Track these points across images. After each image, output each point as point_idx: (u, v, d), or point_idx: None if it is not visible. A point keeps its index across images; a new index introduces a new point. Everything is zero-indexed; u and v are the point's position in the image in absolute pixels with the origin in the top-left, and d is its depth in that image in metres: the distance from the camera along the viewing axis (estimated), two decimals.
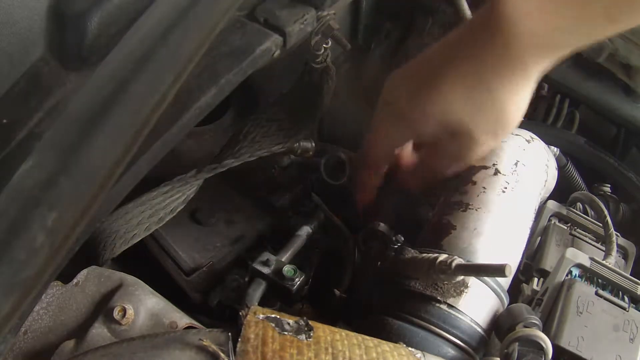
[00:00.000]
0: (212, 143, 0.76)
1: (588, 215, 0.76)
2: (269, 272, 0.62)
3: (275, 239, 0.74)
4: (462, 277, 0.55)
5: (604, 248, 0.70)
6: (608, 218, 0.70)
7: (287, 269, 0.62)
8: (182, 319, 0.54)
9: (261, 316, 0.45)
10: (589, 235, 0.73)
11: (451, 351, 0.54)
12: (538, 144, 0.70)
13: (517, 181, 0.64)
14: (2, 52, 0.47)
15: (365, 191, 0.71)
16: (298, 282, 0.62)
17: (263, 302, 0.61)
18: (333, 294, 0.67)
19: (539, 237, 0.73)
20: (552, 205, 0.75)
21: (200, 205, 0.72)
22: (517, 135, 0.69)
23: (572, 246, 0.69)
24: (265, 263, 0.63)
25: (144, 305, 0.54)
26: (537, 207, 0.69)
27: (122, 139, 0.29)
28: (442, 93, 0.56)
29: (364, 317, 0.60)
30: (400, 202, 0.76)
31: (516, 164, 0.65)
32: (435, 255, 0.56)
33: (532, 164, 0.67)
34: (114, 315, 0.51)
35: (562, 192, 0.79)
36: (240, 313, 0.45)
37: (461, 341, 0.55)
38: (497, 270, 0.52)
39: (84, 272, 0.55)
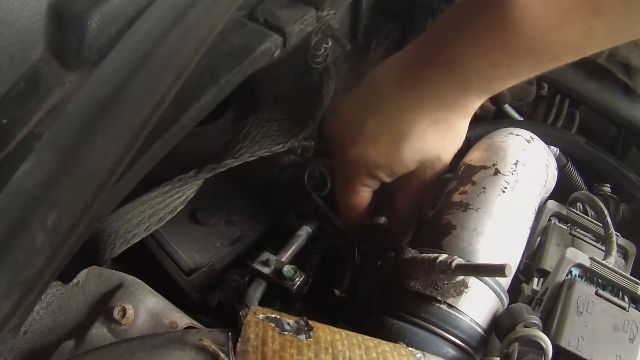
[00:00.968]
0: (212, 143, 0.76)
1: (588, 215, 0.76)
2: (269, 272, 0.62)
3: (275, 239, 0.74)
4: (462, 277, 0.55)
5: (604, 248, 0.70)
6: (608, 218, 0.70)
7: (287, 269, 0.62)
8: (182, 319, 0.54)
9: (261, 316, 0.45)
10: (589, 235, 0.73)
11: (451, 351, 0.54)
12: (538, 144, 0.70)
13: (517, 181, 0.64)
14: (2, 52, 0.47)
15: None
16: (298, 282, 0.62)
17: (263, 302, 0.61)
18: (333, 294, 0.67)
19: (539, 237, 0.73)
20: (552, 205, 0.75)
21: (200, 205, 0.72)
22: (517, 135, 0.69)
23: (572, 246, 0.69)
24: (265, 263, 0.63)
25: (144, 305, 0.54)
26: (537, 207, 0.69)
27: (122, 139, 0.29)
28: (416, 134, 0.62)
29: (364, 317, 0.60)
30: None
31: (516, 164, 0.65)
32: (435, 255, 0.56)
33: (532, 164, 0.67)
34: (114, 315, 0.51)
35: (562, 192, 0.79)
36: (240, 313, 0.45)
37: (461, 341, 0.55)
38: (497, 270, 0.52)
39: (84, 272, 0.55)
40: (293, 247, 0.68)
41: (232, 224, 0.73)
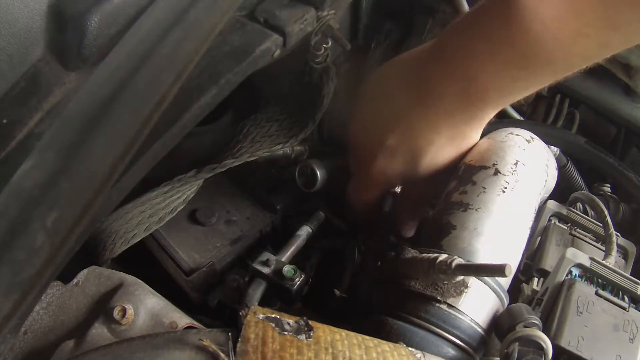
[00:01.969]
0: (212, 143, 0.76)
1: (588, 215, 0.76)
2: (269, 272, 0.62)
3: (275, 239, 0.74)
4: (462, 277, 0.55)
5: (604, 248, 0.70)
6: (608, 218, 0.70)
7: (287, 269, 0.62)
8: (182, 319, 0.54)
9: (261, 316, 0.45)
10: (589, 235, 0.73)
11: (451, 351, 0.54)
12: (538, 144, 0.70)
13: (517, 181, 0.64)
14: (2, 52, 0.47)
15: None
16: (298, 282, 0.62)
17: (263, 302, 0.61)
18: (333, 294, 0.67)
19: (539, 237, 0.73)
20: (552, 205, 0.75)
21: (200, 205, 0.72)
22: (517, 135, 0.69)
23: (572, 246, 0.69)
24: (265, 263, 0.63)
25: (144, 305, 0.54)
26: (537, 207, 0.69)
27: (122, 139, 0.29)
28: (433, 150, 0.65)
29: (364, 317, 0.60)
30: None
31: (516, 164, 0.65)
32: (435, 255, 0.56)
33: (532, 164, 0.67)
34: (114, 315, 0.51)
35: (562, 192, 0.79)
36: (240, 313, 0.45)
37: (461, 341, 0.55)
38: (497, 270, 0.52)
39: (84, 272, 0.55)
40: (293, 247, 0.68)
41: (232, 224, 0.73)
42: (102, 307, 0.53)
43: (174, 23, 0.33)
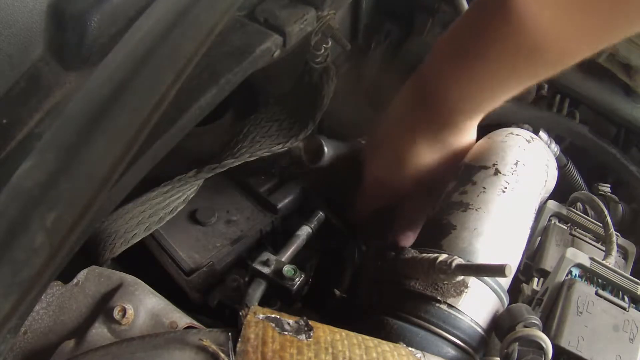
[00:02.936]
0: (212, 143, 0.76)
1: (588, 215, 0.76)
2: (269, 272, 0.62)
3: (275, 239, 0.74)
4: (462, 277, 0.55)
5: (604, 248, 0.70)
6: (608, 218, 0.70)
7: (287, 269, 0.62)
8: (182, 319, 0.54)
9: (261, 316, 0.45)
10: (589, 235, 0.73)
11: (451, 351, 0.54)
12: (538, 143, 0.70)
13: (517, 181, 0.64)
14: (2, 52, 0.47)
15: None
16: (298, 282, 0.62)
17: (263, 302, 0.61)
18: (333, 294, 0.67)
19: (539, 237, 0.73)
20: (552, 205, 0.75)
21: (200, 205, 0.72)
22: (517, 135, 0.69)
23: (572, 246, 0.69)
24: (265, 263, 0.63)
25: (144, 305, 0.54)
26: (537, 207, 0.69)
27: (122, 139, 0.29)
28: (411, 153, 0.69)
29: (364, 317, 0.60)
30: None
31: (516, 164, 0.65)
32: (435, 255, 0.56)
33: (532, 164, 0.67)
34: (114, 315, 0.51)
35: (562, 192, 0.79)
36: (240, 313, 0.45)
37: (461, 341, 0.55)
38: (497, 270, 0.52)
39: (84, 272, 0.55)
40: (293, 247, 0.68)
41: (232, 224, 0.73)
42: (102, 307, 0.53)
43: (174, 23, 0.33)
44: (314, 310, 0.66)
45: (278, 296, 0.64)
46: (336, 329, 0.46)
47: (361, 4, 0.86)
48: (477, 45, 0.60)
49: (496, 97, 0.63)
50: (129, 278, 0.55)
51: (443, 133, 0.67)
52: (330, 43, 0.69)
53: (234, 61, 0.55)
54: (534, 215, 0.67)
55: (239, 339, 0.42)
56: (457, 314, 0.55)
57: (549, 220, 0.74)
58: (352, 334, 0.46)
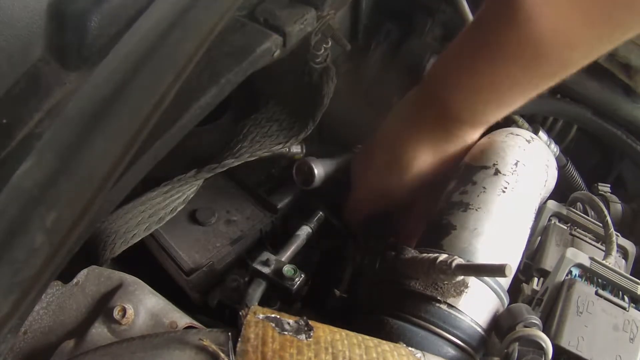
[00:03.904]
0: (212, 143, 0.76)
1: (588, 215, 0.76)
2: (269, 272, 0.62)
3: (275, 239, 0.74)
4: (462, 277, 0.55)
5: (604, 248, 0.70)
6: (608, 218, 0.70)
7: (287, 269, 0.62)
8: (182, 319, 0.54)
9: (261, 316, 0.45)
10: (589, 235, 0.73)
11: (451, 351, 0.54)
12: (538, 143, 0.70)
13: (517, 181, 0.64)
14: (2, 52, 0.47)
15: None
16: (298, 282, 0.62)
17: (263, 302, 0.61)
18: (333, 294, 0.67)
19: (539, 237, 0.73)
20: (552, 205, 0.75)
21: (200, 205, 0.72)
22: (517, 135, 0.69)
23: (572, 246, 0.68)
24: (265, 263, 0.63)
25: (144, 305, 0.54)
26: (537, 207, 0.69)
27: (122, 139, 0.29)
28: (412, 161, 0.69)
29: (364, 317, 0.60)
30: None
31: (516, 164, 0.65)
32: (435, 255, 0.56)
33: (532, 164, 0.67)
34: (114, 315, 0.51)
35: (562, 192, 0.79)
36: (240, 313, 0.45)
37: (461, 341, 0.55)
38: (497, 270, 0.52)
39: (84, 271, 0.55)
40: (293, 247, 0.68)
41: (232, 224, 0.73)
42: (102, 307, 0.53)
43: (173, 23, 0.33)
44: (314, 310, 0.66)
45: (278, 296, 0.64)
46: (336, 329, 0.46)
47: (361, 4, 0.86)
48: (483, 52, 0.60)
49: (501, 108, 0.63)
50: (129, 278, 0.55)
51: (445, 142, 0.68)
52: (330, 43, 0.69)
53: (234, 61, 0.55)
54: (534, 215, 0.67)
55: (239, 339, 0.42)
56: (457, 314, 0.55)
57: (549, 220, 0.74)
58: (352, 334, 0.46)
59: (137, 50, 0.31)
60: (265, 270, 0.62)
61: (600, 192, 0.84)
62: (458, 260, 0.54)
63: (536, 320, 0.53)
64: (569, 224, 0.74)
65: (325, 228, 0.75)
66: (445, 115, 0.65)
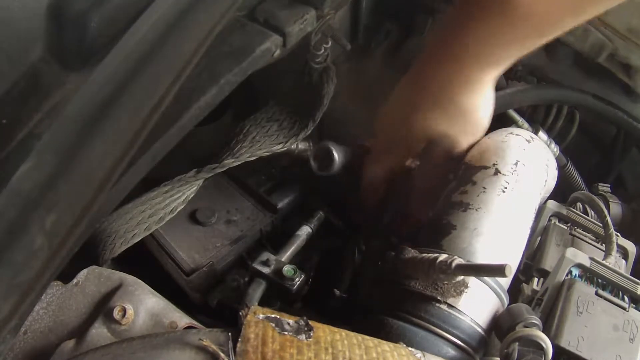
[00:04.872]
0: (212, 143, 0.76)
1: (588, 215, 0.76)
2: (269, 272, 0.62)
3: (275, 239, 0.74)
4: (462, 277, 0.55)
5: (604, 248, 0.70)
6: (608, 218, 0.70)
7: (287, 269, 0.62)
8: (182, 319, 0.54)
9: (261, 316, 0.45)
10: (589, 235, 0.73)
11: (451, 351, 0.54)
12: (538, 143, 0.70)
13: (517, 181, 0.64)
14: (2, 52, 0.47)
15: (367, 202, 0.78)
16: (298, 282, 0.62)
17: (263, 302, 0.61)
18: (333, 294, 0.67)
19: (539, 237, 0.73)
20: (552, 205, 0.75)
21: (200, 205, 0.72)
22: (517, 135, 0.69)
23: (572, 246, 0.68)
24: (265, 263, 0.63)
25: (144, 305, 0.54)
26: (537, 207, 0.69)
27: (121, 140, 0.29)
28: (423, 116, 0.68)
29: (364, 317, 0.60)
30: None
31: (516, 163, 0.65)
32: (435, 255, 0.56)
33: (532, 163, 0.67)
34: (114, 315, 0.52)
35: (562, 192, 0.79)
36: (240, 313, 0.45)
37: (461, 341, 0.55)
38: (497, 270, 0.52)
39: (84, 272, 0.55)
40: (293, 247, 0.68)
41: (232, 224, 0.73)
42: (102, 307, 0.53)
43: (173, 23, 0.33)
44: (314, 310, 0.66)
45: (278, 296, 0.64)
46: (336, 329, 0.46)
47: (361, 4, 0.86)
48: (474, 11, 0.62)
49: (502, 56, 0.64)
50: (129, 278, 0.55)
51: (456, 90, 0.66)
52: (330, 43, 0.69)
53: (234, 61, 0.55)
54: (534, 215, 0.67)
55: (239, 339, 0.42)
56: (457, 314, 0.55)
57: (549, 220, 0.74)
58: (352, 334, 0.46)
59: (136, 50, 0.31)
60: (265, 270, 0.62)
61: (600, 192, 0.84)
62: (458, 260, 0.54)
63: (536, 320, 0.53)
64: (569, 224, 0.74)
65: (325, 228, 0.75)
66: (463, 58, 0.64)
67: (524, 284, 0.66)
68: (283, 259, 0.65)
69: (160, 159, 0.51)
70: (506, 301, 0.60)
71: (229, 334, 0.44)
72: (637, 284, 0.60)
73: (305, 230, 0.71)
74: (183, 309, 0.56)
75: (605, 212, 0.71)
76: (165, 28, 0.32)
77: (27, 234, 0.26)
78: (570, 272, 0.61)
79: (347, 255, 0.73)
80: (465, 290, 0.56)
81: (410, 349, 0.48)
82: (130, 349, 0.43)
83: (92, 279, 0.55)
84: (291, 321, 0.45)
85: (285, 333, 0.44)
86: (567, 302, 0.56)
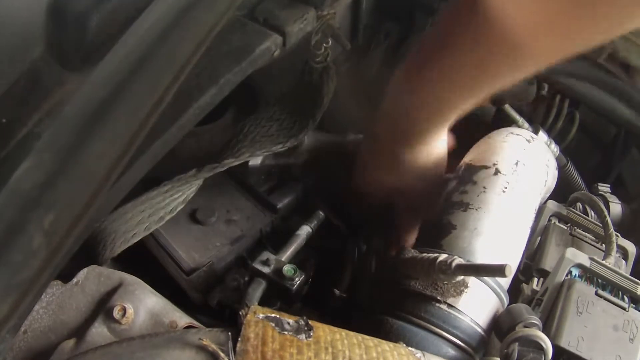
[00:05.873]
0: (212, 143, 0.76)
1: (588, 215, 0.76)
2: (269, 272, 0.62)
3: (275, 239, 0.74)
4: (462, 277, 0.55)
5: (604, 248, 0.70)
6: (608, 218, 0.70)
7: (287, 269, 0.62)
8: (182, 319, 0.54)
9: (261, 316, 0.45)
10: (589, 235, 0.73)
11: (451, 351, 0.54)
12: (538, 143, 0.70)
13: (517, 181, 0.64)
14: (2, 52, 0.47)
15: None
16: (298, 282, 0.62)
17: (263, 302, 0.61)
18: (333, 294, 0.67)
19: (539, 237, 0.73)
20: (552, 205, 0.75)
21: (200, 204, 0.72)
22: (517, 135, 0.69)
23: (572, 246, 0.68)
24: (265, 263, 0.63)
25: (144, 305, 0.54)
26: (537, 207, 0.69)
27: (120, 140, 0.29)
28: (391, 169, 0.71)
29: (363, 317, 0.60)
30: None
31: (516, 163, 0.65)
32: (435, 255, 0.56)
33: (533, 163, 0.67)
34: (114, 314, 0.51)
35: (562, 192, 0.79)
36: (240, 313, 0.45)
37: (461, 341, 0.55)
38: (497, 270, 0.52)
39: (84, 271, 0.55)
40: (293, 247, 0.68)
41: (232, 224, 0.73)
42: (102, 306, 0.53)
43: (173, 23, 0.33)
44: (314, 310, 0.66)
45: (278, 296, 0.64)
46: (336, 329, 0.46)
47: (361, 4, 0.86)
48: (447, 41, 0.58)
49: (463, 99, 0.61)
50: (129, 277, 0.55)
51: (407, 144, 0.68)
52: (330, 42, 0.69)
53: (234, 61, 0.55)
54: (534, 215, 0.67)
55: (239, 339, 0.42)
56: (457, 314, 0.55)
57: (549, 220, 0.74)
58: (352, 333, 0.46)
59: (136, 50, 0.31)
60: (265, 270, 0.62)
61: (600, 192, 0.84)
62: (458, 260, 0.54)
63: (536, 320, 0.53)
64: (569, 224, 0.74)
65: (325, 228, 0.75)
66: (404, 116, 0.66)
67: (523, 284, 0.66)
68: (283, 259, 0.65)
69: (160, 159, 0.51)
70: (506, 301, 0.60)
71: (229, 333, 0.44)
72: (637, 284, 0.60)
73: (305, 230, 0.71)
74: (183, 309, 0.56)
75: (605, 212, 0.71)
76: (165, 28, 0.32)
77: (26, 234, 0.26)
78: (570, 272, 0.61)
79: (347, 255, 0.73)
80: (465, 290, 0.56)
81: (410, 348, 0.48)
82: (130, 348, 0.43)
83: (92, 279, 0.55)
84: (291, 321, 0.45)
85: (285, 333, 0.44)
86: (567, 302, 0.56)
